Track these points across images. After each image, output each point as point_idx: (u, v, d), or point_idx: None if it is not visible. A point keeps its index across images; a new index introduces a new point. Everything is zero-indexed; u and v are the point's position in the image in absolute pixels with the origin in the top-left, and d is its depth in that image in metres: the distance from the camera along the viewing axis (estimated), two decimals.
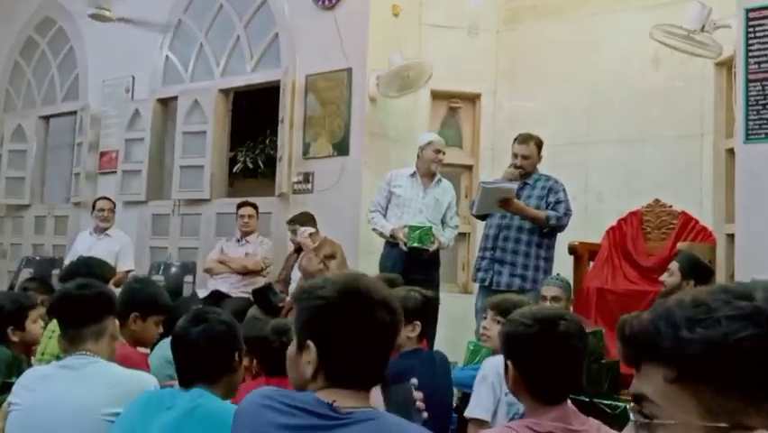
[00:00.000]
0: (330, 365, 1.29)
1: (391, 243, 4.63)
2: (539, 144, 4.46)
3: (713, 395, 0.69)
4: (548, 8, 5.85)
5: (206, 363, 1.85)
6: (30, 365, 2.86)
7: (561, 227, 4.36)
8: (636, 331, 0.75)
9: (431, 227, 4.51)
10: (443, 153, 4.75)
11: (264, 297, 4.93)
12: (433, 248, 4.48)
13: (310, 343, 1.29)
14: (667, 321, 0.72)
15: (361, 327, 1.28)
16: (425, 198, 4.67)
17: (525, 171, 4.42)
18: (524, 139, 4.45)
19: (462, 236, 5.74)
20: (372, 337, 1.29)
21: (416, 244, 4.43)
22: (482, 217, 4.59)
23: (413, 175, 4.71)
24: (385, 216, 4.72)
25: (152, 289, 2.80)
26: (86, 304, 2.10)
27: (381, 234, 4.69)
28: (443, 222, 4.74)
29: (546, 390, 1.67)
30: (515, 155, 4.45)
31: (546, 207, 4.34)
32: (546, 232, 4.35)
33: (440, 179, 4.78)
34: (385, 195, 4.74)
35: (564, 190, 4.39)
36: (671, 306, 0.74)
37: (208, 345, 1.86)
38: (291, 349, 1.37)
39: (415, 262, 4.47)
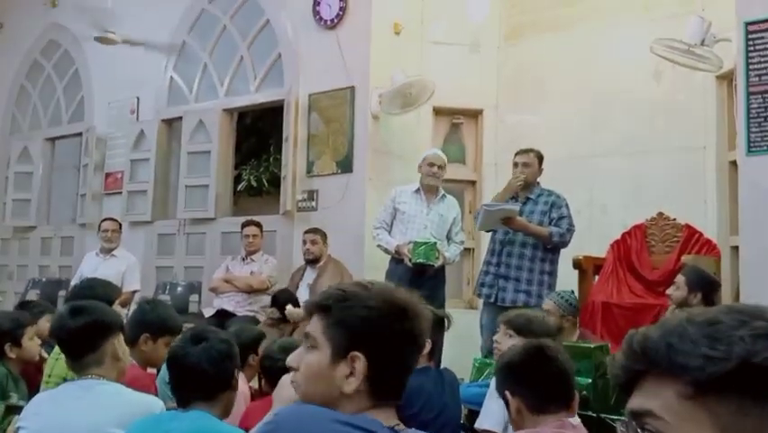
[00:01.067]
0: (378, 381, 1.18)
1: (396, 259, 4.63)
2: (539, 156, 4.49)
3: (732, 413, 0.69)
4: (549, 23, 5.89)
5: (207, 382, 1.85)
6: (27, 384, 2.90)
7: (563, 244, 4.36)
8: (647, 346, 0.74)
9: (435, 243, 4.51)
10: (439, 167, 4.70)
11: (285, 299, 4.93)
12: (438, 264, 4.49)
13: (358, 354, 1.16)
14: (681, 338, 0.71)
15: (408, 339, 1.21)
16: (429, 213, 4.68)
17: (526, 181, 4.43)
18: (524, 150, 4.51)
19: (467, 252, 5.74)
20: (415, 351, 1.24)
21: (420, 260, 4.43)
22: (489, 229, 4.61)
23: (417, 191, 4.72)
24: (390, 232, 4.73)
25: (162, 310, 2.81)
26: (81, 336, 2.07)
27: (386, 251, 4.70)
28: (448, 238, 4.74)
29: (544, 398, 1.90)
30: (515, 164, 4.49)
31: (549, 223, 4.34)
32: (549, 247, 4.36)
33: (444, 195, 4.79)
34: (390, 211, 4.75)
35: (567, 206, 4.40)
36: (681, 322, 0.73)
37: (210, 363, 1.86)
38: (315, 358, 1.20)
39: (420, 280, 4.48)
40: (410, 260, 4.44)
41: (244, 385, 2.99)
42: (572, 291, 4.21)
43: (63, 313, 2.18)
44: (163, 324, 2.67)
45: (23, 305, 3.99)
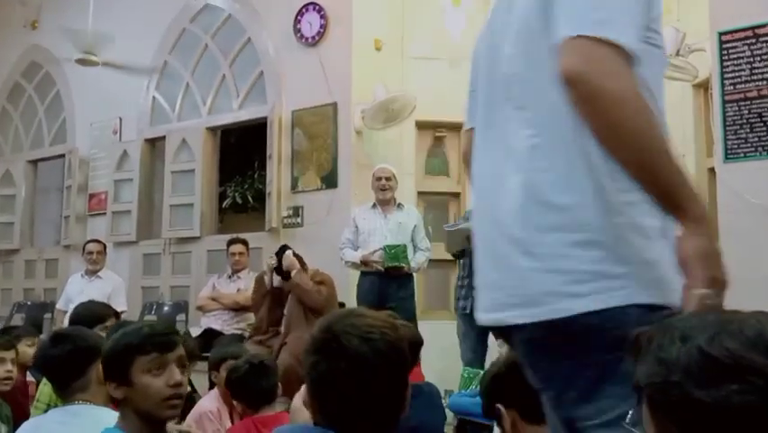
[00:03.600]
0: (319, 411, 1.29)
1: (364, 272, 4.69)
2: None
3: (656, 424, 0.72)
4: None
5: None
6: (16, 409, 2.89)
7: None
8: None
9: (405, 245, 4.60)
10: (386, 179, 4.82)
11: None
12: (407, 267, 4.56)
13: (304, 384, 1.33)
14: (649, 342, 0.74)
15: (326, 375, 1.26)
16: (387, 224, 4.77)
17: None
18: None
19: (454, 263, 5.75)
20: (338, 383, 1.25)
21: (392, 264, 4.54)
22: (458, 256, 4.64)
23: (374, 206, 4.85)
24: (357, 250, 4.79)
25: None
26: (66, 363, 2.05)
27: (354, 265, 4.76)
28: (414, 247, 4.79)
29: (538, 406, 1.82)
30: None
31: None
32: None
33: (401, 204, 4.89)
34: (352, 230, 4.87)
35: None
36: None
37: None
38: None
39: (388, 291, 4.54)
40: (382, 265, 4.48)
41: (212, 403, 3.03)
42: None
43: (45, 342, 2.16)
44: None
45: (6, 330, 3.95)
